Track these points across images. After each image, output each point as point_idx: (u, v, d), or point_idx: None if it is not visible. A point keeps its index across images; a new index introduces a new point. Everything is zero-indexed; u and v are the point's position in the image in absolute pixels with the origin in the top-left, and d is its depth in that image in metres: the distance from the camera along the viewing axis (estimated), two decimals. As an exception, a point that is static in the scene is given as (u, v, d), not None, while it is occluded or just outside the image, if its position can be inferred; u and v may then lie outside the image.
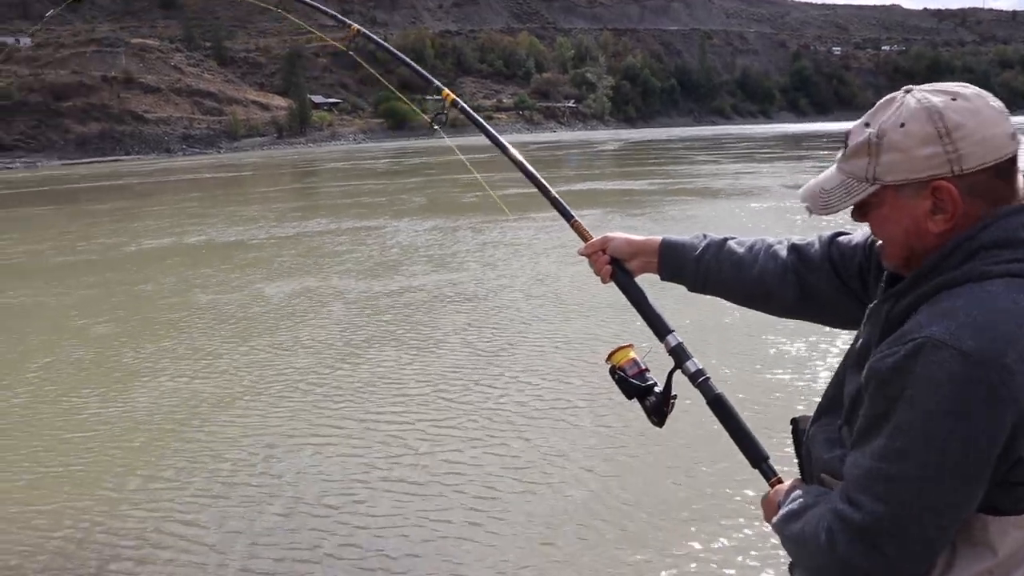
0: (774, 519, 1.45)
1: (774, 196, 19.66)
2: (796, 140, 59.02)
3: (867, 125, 1.32)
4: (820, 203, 1.38)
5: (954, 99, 1.25)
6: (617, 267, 1.86)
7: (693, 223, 15.46)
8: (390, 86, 3.74)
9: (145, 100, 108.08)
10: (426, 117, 2.47)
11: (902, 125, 1.26)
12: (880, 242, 1.43)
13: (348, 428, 5.65)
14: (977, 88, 1.28)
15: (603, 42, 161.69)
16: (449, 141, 2.71)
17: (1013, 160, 1.26)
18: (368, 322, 8.67)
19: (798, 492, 1.44)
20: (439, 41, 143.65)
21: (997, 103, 1.27)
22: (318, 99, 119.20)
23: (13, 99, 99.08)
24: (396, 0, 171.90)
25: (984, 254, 1.23)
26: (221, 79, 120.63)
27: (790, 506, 1.40)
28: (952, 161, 1.23)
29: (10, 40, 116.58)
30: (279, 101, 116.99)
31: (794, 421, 1.58)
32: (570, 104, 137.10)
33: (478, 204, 20.27)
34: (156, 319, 9.37)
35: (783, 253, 1.70)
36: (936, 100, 1.25)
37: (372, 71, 3.49)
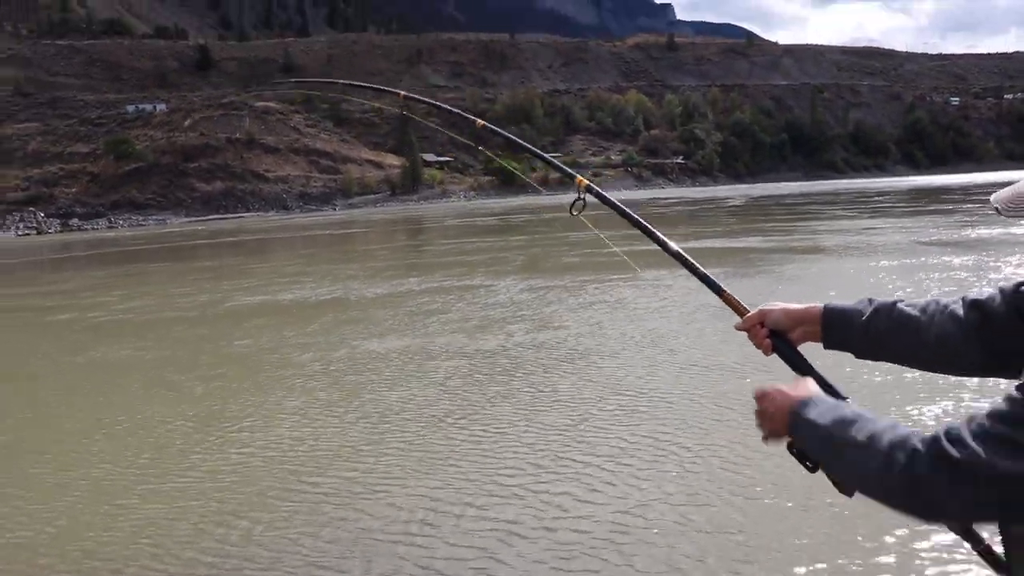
0: (811, 412, 1.41)
1: (907, 253, 18.09)
2: (932, 193, 55.87)
3: None
4: (1012, 206, 1.27)
5: None
6: (777, 339, 1.79)
7: (814, 282, 14.20)
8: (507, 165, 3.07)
9: (265, 160, 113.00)
10: (567, 205, 2.40)
11: None
12: None
13: (452, 489, 4.83)
14: None
15: (711, 98, 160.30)
16: (594, 230, 2.61)
17: None
18: (470, 382, 7.89)
19: (829, 401, 1.44)
20: (548, 100, 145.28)
21: None
22: (429, 157, 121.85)
23: (148, 161, 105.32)
24: (505, 60, 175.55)
25: None
26: (337, 139, 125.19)
27: (842, 412, 1.38)
28: None
29: (148, 107, 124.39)
30: (392, 160, 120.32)
31: None
32: (679, 160, 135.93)
33: (596, 264, 19.48)
34: (252, 376, 8.93)
35: (961, 312, 1.57)
36: None
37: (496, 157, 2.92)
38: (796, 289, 13.44)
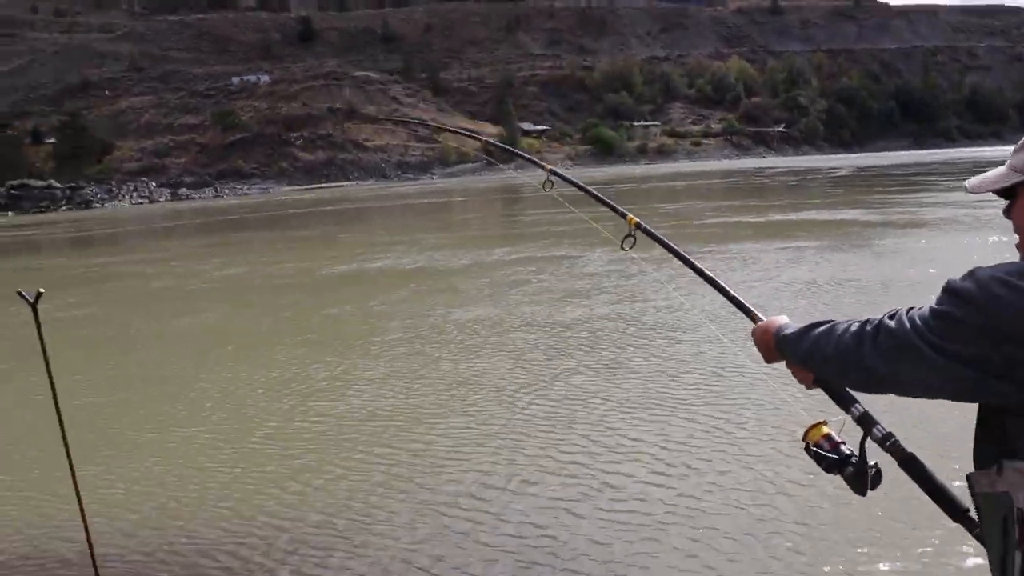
0: (787, 332, 1.72)
1: None
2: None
3: None
4: (975, 185, 1.59)
5: None
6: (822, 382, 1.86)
7: (912, 257, 13.65)
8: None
9: (365, 129, 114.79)
10: (614, 239, 2.68)
11: None
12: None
13: (536, 456, 4.92)
14: None
15: (816, 63, 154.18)
16: (636, 257, 2.88)
17: None
18: (546, 355, 7.94)
19: (794, 323, 1.74)
20: (647, 67, 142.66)
21: None
22: (527, 126, 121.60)
23: (252, 131, 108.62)
24: (604, 27, 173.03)
25: None
26: (435, 108, 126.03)
27: (807, 324, 1.67)
28: None
29: (252, 78, 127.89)
30: (489, 128, 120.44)
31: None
32: (780, 128, 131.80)
33: (685, 236, 19.18)
34: (334, 344, 9.21)
35: None
36: None
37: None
38: (892, 264, 12.94)
